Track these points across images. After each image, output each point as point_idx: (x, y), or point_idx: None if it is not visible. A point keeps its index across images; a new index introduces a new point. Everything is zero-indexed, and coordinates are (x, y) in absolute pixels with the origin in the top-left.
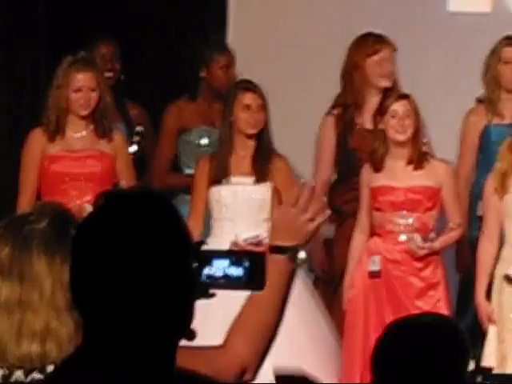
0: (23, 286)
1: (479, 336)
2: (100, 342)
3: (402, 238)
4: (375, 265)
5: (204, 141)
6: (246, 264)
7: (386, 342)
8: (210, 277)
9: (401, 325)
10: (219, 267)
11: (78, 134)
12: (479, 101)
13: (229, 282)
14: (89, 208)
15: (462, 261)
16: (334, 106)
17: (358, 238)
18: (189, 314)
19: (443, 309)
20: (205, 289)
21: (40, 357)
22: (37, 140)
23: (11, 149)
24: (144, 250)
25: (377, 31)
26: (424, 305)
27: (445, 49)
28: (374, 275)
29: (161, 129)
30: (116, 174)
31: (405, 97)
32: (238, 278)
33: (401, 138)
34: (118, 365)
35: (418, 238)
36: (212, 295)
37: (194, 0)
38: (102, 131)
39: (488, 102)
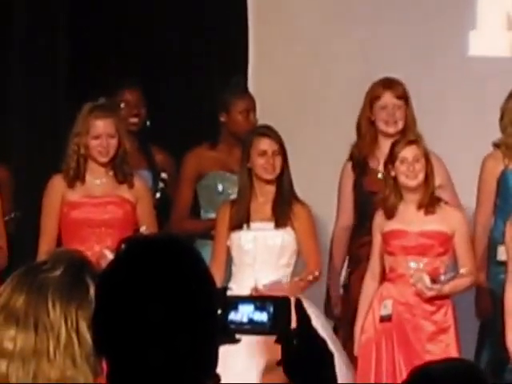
0: (38, 334)
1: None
2: None
3: (412, 280)
4: (386, 309)
5: (220, 186)
6: (270, 309)
7: None
8: (234, 322)
9: (422, 372)
10: (244, 312)
11: (98, 180)
12: (496, 145)
13: (254, 327)
14: (108, 254)
15: (481, 307)
16: (349, 155)
17: (369, 285)
18: (213, 359)
19: (453, 353)
20: (231, 334)
21: None
22: (57, 186)
23: (32, 193)
24: (167, 295)
25: (395, 76)
26: (435, 349)
27: (464, 93)
28: (385, 319)
29: (179, 175)
30: (137, 220)
31: (413, 142)
32: (262, 323)
33: (412, 183)
34: None
35: (426, 278)
36: (238, 340)
37: (219, 45)
38: (122, 177)
39: (505, 147)
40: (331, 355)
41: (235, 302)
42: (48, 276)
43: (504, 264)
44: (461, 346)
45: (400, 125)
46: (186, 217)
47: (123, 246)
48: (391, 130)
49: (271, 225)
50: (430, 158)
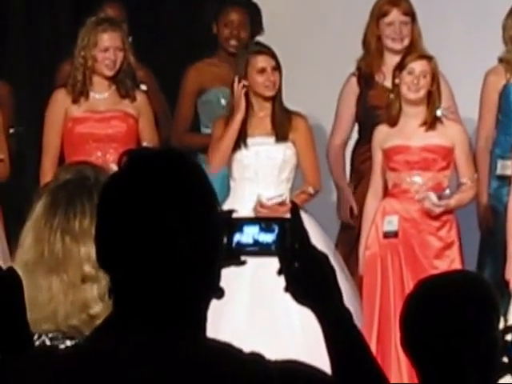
0: None
1: (504, 295)
2: (129, 302)
3: (418, 196)
4: (392, 225)
5: (223, 101)
6: (276, 229)
7: (416, 301)
8: (240, 244)
9: (430, 283)
10: (249, 234)
11: (101, 94)
12: (500, 60)
13: (259, 249)
14: (113, 168)
15: (483, 221)
16: (356, 68)
17: (372, 203)
18: (217, 271)
19: (457, 268)
20: (236, 255)
21: None
22: (60, 101)
23: (33, 111)
24: (171, 206)
25: None
26: (441, 264)
27: (467, 9)
28: (390, 235)
29: (180, 90)
30: (139, 134)
31: (425, 57)
32: (268, 244)
33: (412, 96)
34: (147, 322)
35: (433, 195)
36: (243, 262)
37: None
38: (125, 91)
39: (506, 62)
40: (333, 270)
41: (240, 224)
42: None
43: (504, 178)
44: (464, 260)
45: (406, 41)
46: (186, 130)
47: (125, 158)
48: (398, 46)
49: (272, 139)
50: (438, 78)
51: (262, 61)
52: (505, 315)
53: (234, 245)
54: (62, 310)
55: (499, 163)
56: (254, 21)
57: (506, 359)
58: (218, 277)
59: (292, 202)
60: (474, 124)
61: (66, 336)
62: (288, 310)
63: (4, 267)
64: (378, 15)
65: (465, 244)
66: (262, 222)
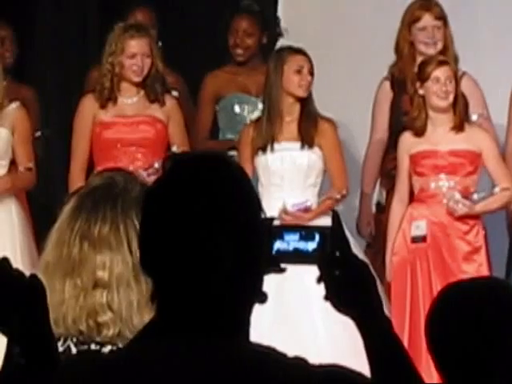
0: (134, 257)
1: None
2: (172, 307)
3: (446, 200)
4: (420, 229)
5: (237, 108)
6: (317, 238)
7: (441, 307)
8: (280, 251)
9: (455, 288)
10: (289, 242)
11: (130, 99)
12: None
13: (299, 256)
14: (142, 174)
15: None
16: (389, 73)
17: (397, 207)
18: (260, 276)
19: (485, 273)
20: (276, 262)
21: None
22: (89, 107)
23: (63, 116)
24: (215, 212)
25: None
26: (469, 269)
27: (497, 13)
28: (418, 240)
29: (198, 98)
30: (168, 139)
31: (445, 62)
32: (307, 252)
33: (443, 103)
34: (190, 327)
35: (457, 194)
36: (283, 270)
37: None
38: (154, 96)
39: None
40: (374, 279)
41: (281, 232)
42: (127, 198)
43: None
44: (492, 266)
45: (439, 46)
46: (205, 138)
47: (169, 162)
48: (431, 51)
49: (297, 144)
50: (459, 80)
51: (300, 60)
52: None
53: (274, 252)
54: (72, 314)
55: None
56: (267, 26)
57: None
58: (260, 282)
59: (333, 211)
60: (504, 129)
61: (91, 341)
62: (313, 326)
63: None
64: (409, 20)
65: (495, 250)
66: (303, 230)
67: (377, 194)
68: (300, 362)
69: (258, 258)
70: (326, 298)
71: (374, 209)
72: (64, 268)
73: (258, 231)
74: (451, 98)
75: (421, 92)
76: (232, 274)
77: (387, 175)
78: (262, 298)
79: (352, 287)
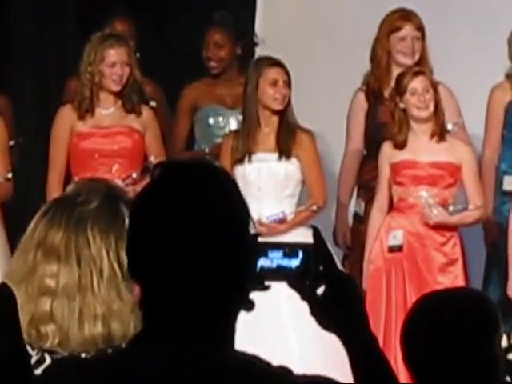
0: (81, 269)
1: (509, 312)
2: (159, 315)
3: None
4: (396, 239)
5: (211, 120)
6: (300, 255)
7: (417, 317)
8: (264, 268)
9: (430, 299)
10: (273, 259)
11: (107, 110)
12: (507, 77)
13: (283, 273)
14: (119, 184)
15: (488, 238)
16: (364, 83)
17: (376, 216)
18: (246, 284)
19: (461, 285)
20: (260, 279)
21: (105, 338)
22: (66, 117)
23: (39, 125)
24: (204, 221)
25: (407, 5)
26: (445, 280)
27: (474, 25)
28: (394, 250)
29: (176, 108)
30: (145, 149)
31: (420, 73)
32: (291, 269)
33: (424, 114)
34: (177, 335)
35: (431, 200)
36: (267, 287)
37: None
38: (131, 106)
39: (511, 78)
40: (360, 294)
41: (265, 249)
42: (85, 209)
43: (510, 194)
44: (469, 279)
45: (417, 56)
46: (181, 149)
47: (157, 170)
48: (409, 61)
49: (275, 155)
50: (437, 88)
51: (275, 73)
52: (509, 333)
53: (257, 269)
54: (22, 321)
55: (505, 179)
56: (241, 37)
57: (508, 378)
58: (247, 290)
59: (313, 227)
60: (479, 140)
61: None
62: (286, 341)
63: None
64: (389, 30)
65: (472, 261)
66: (286, 247)
67: (354, 205)
68: (284, 372)
69: (244, 266)
70: (312, 313)
71: (350, 220)
72: (20, 274)
73: (245, 240)
74: (431, 107)
75: (401, 106)
76: (218, 283)
77: (365, 186)
78: (249, 305)
79: (337, 304)
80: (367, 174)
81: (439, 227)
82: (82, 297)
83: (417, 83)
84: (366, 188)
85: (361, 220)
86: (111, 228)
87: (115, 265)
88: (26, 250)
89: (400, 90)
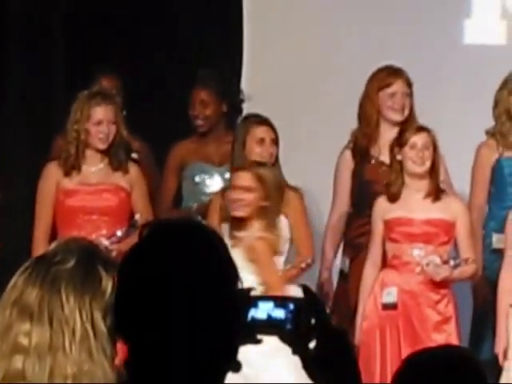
0: (53, 329)
1: (495, 370)
2: (145, 373)
3: (418, 269)
4: (391, 296)
5: (197, 178)
6: (291, 306)
7: (404, 376)
8: (254, 319)
9: (418, 358)
10: (264, 309)
11: (94, 167)
12: (489, 134)
13: (274, 325)
14: (104, 242)
15: (479, 297)
16: (351, 140)
17: (370, 272)
18: (234, 345)
19: (454, 343)
20: (251, 333)
21: None
22: (52, 174)
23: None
24: (192, 280)
25: (394, 63)
26: (439, 338)
27: (459, 81)
28: (389, 307)
29: (165, 166)
30: (131, 207)
31: (424, 129)
32: (281, 320)
33: (419, 169)
34: None
35: (437, 259)
36: (259, 341)
37: (208, 36)
38: (117, 164)
39: (499, 135)
40: (351, 346)
41: (255, 300)
42: (60, 268)
43: (499, 252)
44: (461, 335)
45: (406, 112)
46: (171, 206)
47: (147, 229)
48: (399, 117)
49: None
50: (437, 148)
51: (262, 131)
52: None
53: (248, 320)
54: None
55: (494, 237)
56: (227, 94)
57: None
58: (234, 350)
59: (303, 285)
60: (465, 197)
61: None
62: None
63: None
64: (379, 86)
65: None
66: (277, 299)
67: (340, 263)
68: None
69: (232, 325)
70: (305, 367)
71: (335, 277)
72: None
73: (232, 299)
74: (428, 164)
75: (398, 157)
76: (205, 342)
77: (350, 244)
78: (236, 366)
79: (329, 356)
80: (353, 232)
81: (433, 285)
82: (53, 356)
83: (418, 138)
84: (352, 245)
85: (346, 277)
86: (86, 288)
87: (88, 326)
88: (4, 307)
89: (401, 141)
